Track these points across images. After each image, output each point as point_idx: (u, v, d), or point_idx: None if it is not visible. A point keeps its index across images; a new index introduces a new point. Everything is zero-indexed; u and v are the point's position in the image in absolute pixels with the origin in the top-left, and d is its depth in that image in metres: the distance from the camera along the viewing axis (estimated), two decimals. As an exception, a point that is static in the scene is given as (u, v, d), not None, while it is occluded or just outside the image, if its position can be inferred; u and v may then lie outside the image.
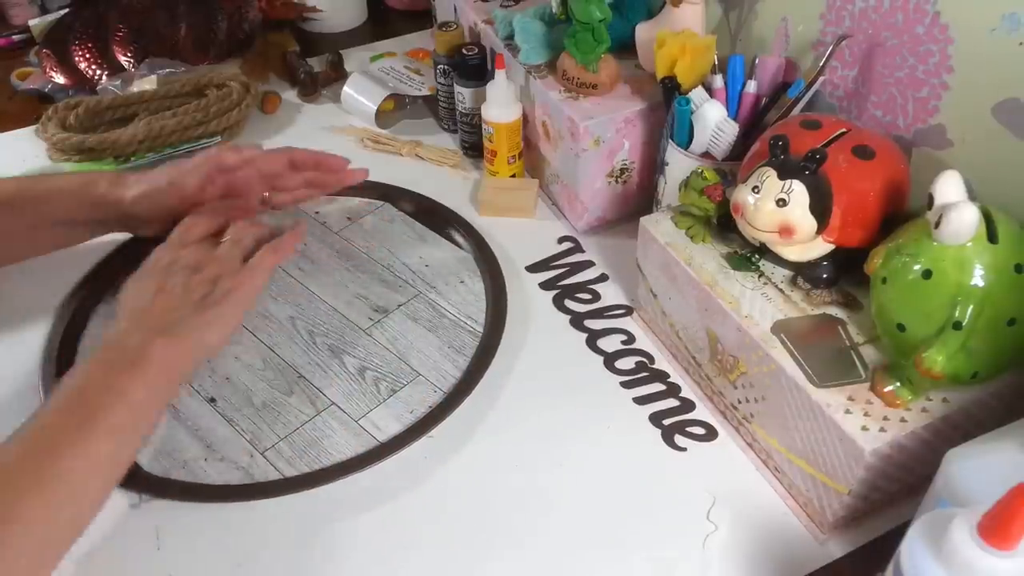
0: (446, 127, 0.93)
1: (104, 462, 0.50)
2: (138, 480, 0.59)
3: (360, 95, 0.92)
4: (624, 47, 0.76)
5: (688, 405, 0.64)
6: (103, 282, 0.73)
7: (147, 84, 0.93)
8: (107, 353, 0.54)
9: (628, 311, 0.72)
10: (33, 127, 0.92)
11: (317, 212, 0.82)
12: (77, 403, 0.51)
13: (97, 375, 0.53)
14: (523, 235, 0.79)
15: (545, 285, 0.74)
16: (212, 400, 0.65)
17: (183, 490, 0.59)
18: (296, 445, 0.62)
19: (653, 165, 0.76)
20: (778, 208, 0.53)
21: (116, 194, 0.68)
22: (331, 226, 0.80)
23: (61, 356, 0.67)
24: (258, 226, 0.65)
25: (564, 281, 0.75)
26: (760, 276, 0.59)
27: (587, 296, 0.74)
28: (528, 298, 0.73)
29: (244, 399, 0.65)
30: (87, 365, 0.54)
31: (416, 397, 0.65)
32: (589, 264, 0.77)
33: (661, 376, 0.67)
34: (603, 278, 0.75)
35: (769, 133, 0.58)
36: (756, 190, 0.54)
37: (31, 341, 0.69)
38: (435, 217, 0.80)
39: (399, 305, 0.72)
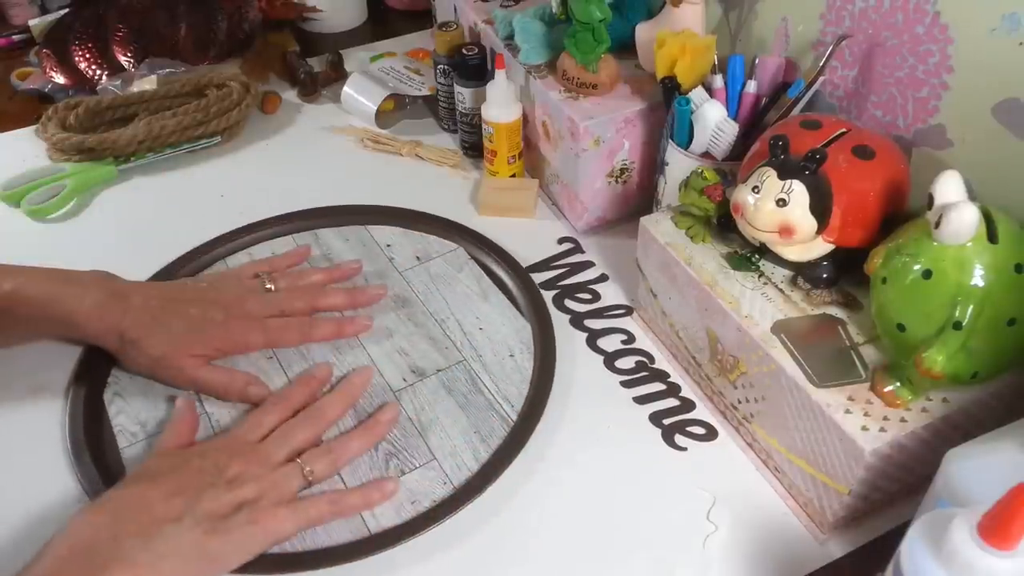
0: (446, 127, 0.93)
1: None
2: None
3: (360, 95, 0.92)
4: (624, 47, 0.76)
5: (688, 405, 0.64)
6: None
7: (147, 84, 0.93)
8: (64, 549, 0.45)
9: (628, 311, 0.72)
10: (33, 127, 0.92)
11: (389, 245, 0.78)
12: None
13: None
14: (523, 235, 0.79)
15: (545, 285, 0.74)
16: None
17: None
18: None
19: (653, 165, 0.76)
20: (778, 208, 0.53)
21: (132, 356, 0.64)
22: (397, 264, 0.76)
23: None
24: (350, 439, 0.58)
25: (564, 281, 0.75)
26: (760, 276, 0.59)
27: (587, 296, 0.74)
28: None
29: None
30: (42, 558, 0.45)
31: (423, 486, 0.59)
32: (589, 264, 0.77)
33: (661, 376, 0.67)
34: (603, 278, 0.75)
35: (769, 133, 0.58)
36: (756, 190, 0.54)
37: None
38: (506, 276, 0.75)
39: (438, 370, 0.67)
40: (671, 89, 0.68)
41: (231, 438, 0.56)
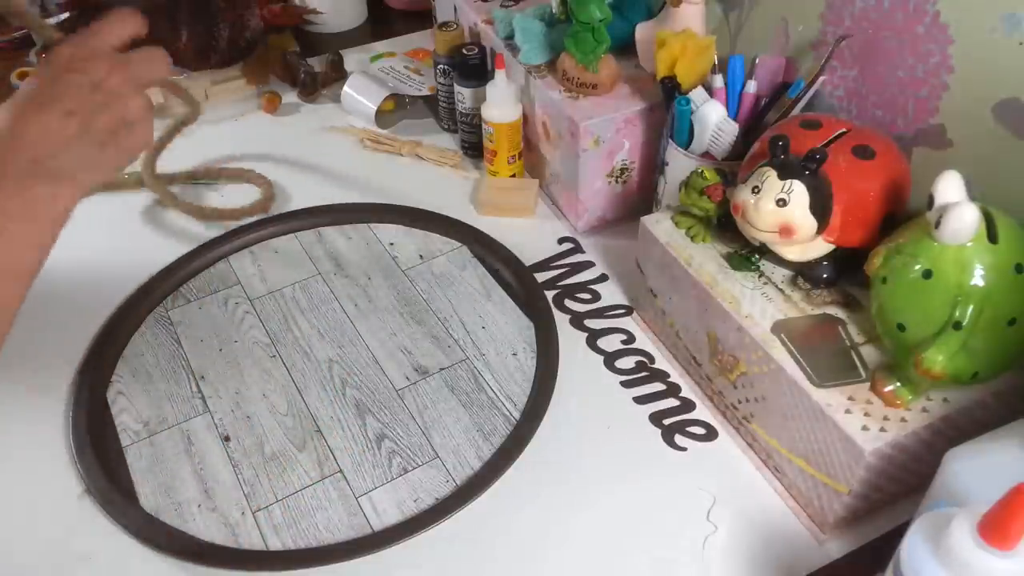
0: (446, 127, 0.93)
1: None
2: (128, 516, 0.58)
3: (360, 95, 0.92)
4: (624, 47, 0.76)
5: (688, 405, 0.64)
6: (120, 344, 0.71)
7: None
8: None
9: (628, 311, 0.72)
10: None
11: (392, 243, 0.79)
12: None
13: None
14: (523, 235, 0.79)
15: (545, 285, 0.74)
16: (227, 439, 0.63)
17: (166, 544, 0.57)
18: (289, 511, 0.58)
19: (653, 165, 0.76)
20: (778, 208, 0.53)
21: None
22: (401, 263, 0.77)
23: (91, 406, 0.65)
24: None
25: (564, 281, 0.75)
26: (760, 276, 0.59)
27: (587, 296, 0.74)
28: (528, 298, 0.73)
29: (256, 444, 0.62)
30: None
31: (426, 483, 0.60)
32: (589, 264, 0.77)
33: (661, 376, 0.67)
34: (603, 278, 0.75)
35: (769, 133, 0.58)
36: (756, 190, 0.54)
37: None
38: (510, 276, 0.75)
39: (441, 369, 0.67)
40: (671, 89, 0.68)
41: (83, 51, 0.55)
